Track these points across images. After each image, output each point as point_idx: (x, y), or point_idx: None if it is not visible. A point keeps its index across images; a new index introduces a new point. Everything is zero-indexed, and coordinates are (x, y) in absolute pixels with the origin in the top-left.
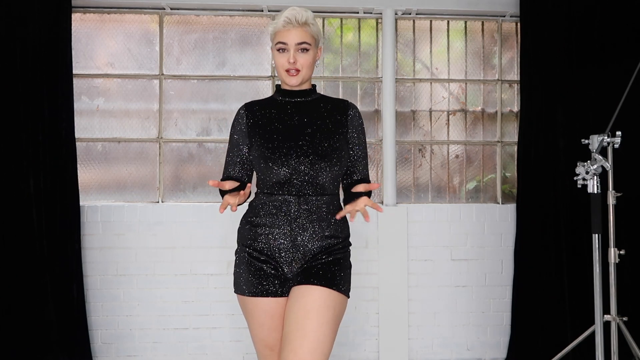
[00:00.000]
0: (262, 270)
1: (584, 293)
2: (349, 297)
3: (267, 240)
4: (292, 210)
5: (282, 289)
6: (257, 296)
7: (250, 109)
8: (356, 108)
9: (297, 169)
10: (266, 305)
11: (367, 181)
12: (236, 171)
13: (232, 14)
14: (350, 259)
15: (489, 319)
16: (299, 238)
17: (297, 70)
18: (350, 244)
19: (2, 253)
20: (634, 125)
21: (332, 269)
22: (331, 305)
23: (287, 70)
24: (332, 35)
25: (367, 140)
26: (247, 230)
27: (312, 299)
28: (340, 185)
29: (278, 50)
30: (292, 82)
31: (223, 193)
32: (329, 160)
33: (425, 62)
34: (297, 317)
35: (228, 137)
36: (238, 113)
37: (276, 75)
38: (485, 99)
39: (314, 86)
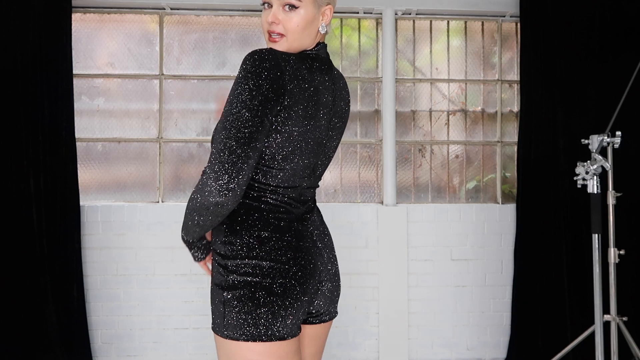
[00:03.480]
0: None
1: (584, 293)
2: (245, 339)
3: None
4: None
5: None
6: None
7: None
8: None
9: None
10: None
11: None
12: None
13: (232, 14)
14: (247, 281)
15: (489, 319)
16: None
17: (281, 35)
18: (242, 257)
19: (2, 253)
20: (634, 125)
21: (212, 303)
22: (222, 354)
23: (270, 33)
24: (332, 35)
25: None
26: None
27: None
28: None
29: (263, 4)
30: (276, 49)
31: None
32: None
33: (425, 63)
34: None
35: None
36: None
37: None
38: (485, 99)
39: (321, 44)
